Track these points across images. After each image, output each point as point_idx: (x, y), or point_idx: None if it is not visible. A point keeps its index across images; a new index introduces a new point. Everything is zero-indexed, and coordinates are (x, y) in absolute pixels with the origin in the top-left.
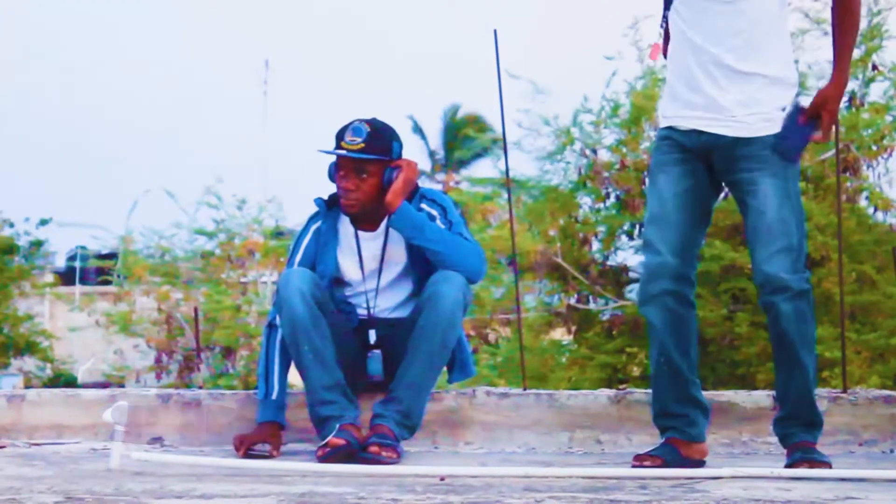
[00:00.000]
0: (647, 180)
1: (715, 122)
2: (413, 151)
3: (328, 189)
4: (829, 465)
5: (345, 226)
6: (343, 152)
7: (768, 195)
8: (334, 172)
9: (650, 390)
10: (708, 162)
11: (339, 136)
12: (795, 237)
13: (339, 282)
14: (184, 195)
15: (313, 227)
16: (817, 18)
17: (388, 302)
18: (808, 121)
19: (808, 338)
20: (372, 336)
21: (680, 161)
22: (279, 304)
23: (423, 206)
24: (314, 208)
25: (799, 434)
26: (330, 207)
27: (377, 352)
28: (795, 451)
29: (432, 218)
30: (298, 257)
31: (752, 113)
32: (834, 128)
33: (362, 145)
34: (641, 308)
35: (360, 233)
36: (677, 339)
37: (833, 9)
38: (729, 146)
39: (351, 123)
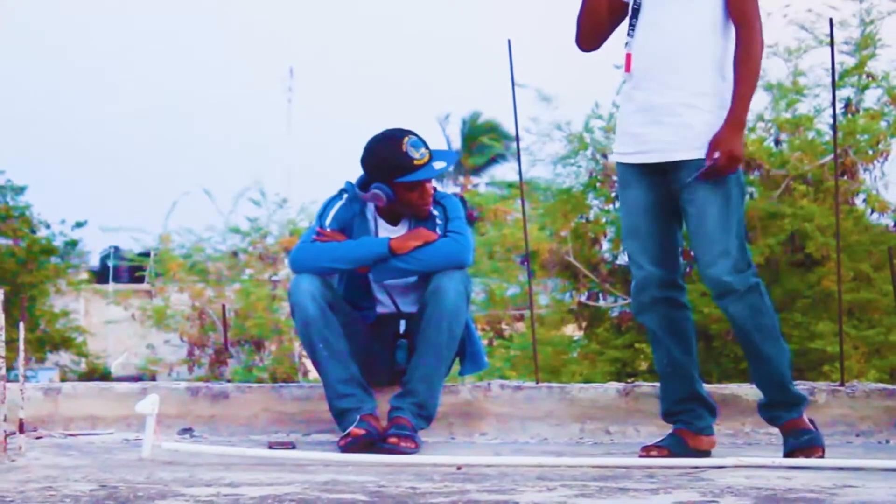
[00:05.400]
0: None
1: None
2: None
3: None
4: (821, 447)
5: (370, 214)
6: (441, 166)
7: (706, 202)
8: (409, 189)
9: (657, 384)
10: (664, 172)
11: (408, 157)
12: (734, 241)
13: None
14: (217, 196)
15: (341, 202)
16: (811, 28)
17: (408, 298)
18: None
19: (766, 329)
20: (402, 326)
21: (642, 174)
22: (291, 308)
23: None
24: None
25: (783, 415)
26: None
27: (405, 340)
28: (787, 437)
29: (432, 216)
30: (328, 220)
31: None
32: (832, 133)
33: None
34: (638, 317)
35: (381, 222)
36: (677, 340)
37: (734, 56)
38: (669, 164)
39: (401, 142)
